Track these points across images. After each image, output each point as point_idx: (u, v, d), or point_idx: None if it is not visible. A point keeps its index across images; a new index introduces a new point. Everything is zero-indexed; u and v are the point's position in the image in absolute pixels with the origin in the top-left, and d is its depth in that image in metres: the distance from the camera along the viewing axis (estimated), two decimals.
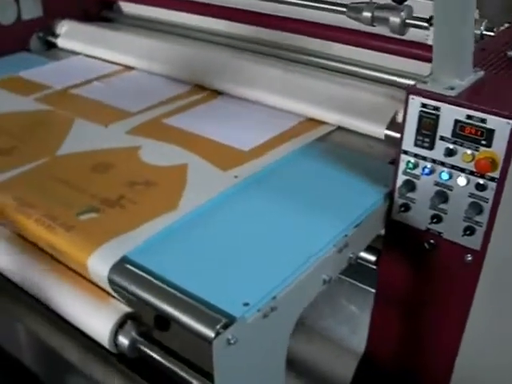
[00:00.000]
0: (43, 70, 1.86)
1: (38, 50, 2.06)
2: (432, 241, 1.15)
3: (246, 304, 0.88)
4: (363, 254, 1.22)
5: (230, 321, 0.85)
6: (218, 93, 1.62)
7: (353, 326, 1.48)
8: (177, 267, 0.97)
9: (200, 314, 0.87)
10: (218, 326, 0.84)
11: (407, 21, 1.25)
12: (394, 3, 1.19)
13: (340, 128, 1.43)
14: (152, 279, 0.94)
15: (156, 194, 1.18)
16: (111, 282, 0.97)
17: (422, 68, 1.42)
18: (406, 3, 1.19)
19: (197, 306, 0.88)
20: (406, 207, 1.15)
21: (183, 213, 1.10)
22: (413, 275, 1.23)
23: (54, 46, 2.07)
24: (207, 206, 1.13)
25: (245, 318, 0.87)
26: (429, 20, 1.19)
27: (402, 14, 1.23)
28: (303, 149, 1.34)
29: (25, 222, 1.11)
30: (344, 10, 1.33)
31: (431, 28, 1.22)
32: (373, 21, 1.26)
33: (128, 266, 0.97)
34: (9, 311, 1.35)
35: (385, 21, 1.24)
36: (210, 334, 0.84)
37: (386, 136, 1.36)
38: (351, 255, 1.10)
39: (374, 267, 1.26)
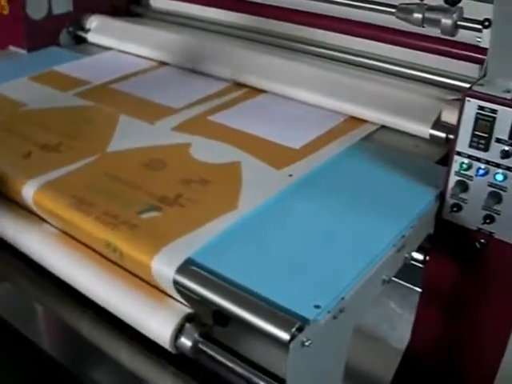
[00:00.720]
0: (78, 64, 1.86)
1: (68, 45, 2.06)
2: (483, 240, 1.17)
3: (317, 306, 0.89)
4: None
5: (304, 323, 0.86)
6: (257, 90, 1.62)
7: (393, 323, 1.49)
8: (243, 269, 0.97)
9: (274, 317, 0.88)
10: (294, 329, 0.85)
11: (458, 22, 1.26)
12: (445, 5, 1.20)
13: (383, 127, 1.44)
14: (221, 282, 0.95)
15: (214, 192, 1.18)
16: (176, 283, 0.98)
17: (466, 68, 1.43)
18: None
19: (270, 309, 0.89)
20: (458, 207, 1.17)
21: (243, 212, 1.10)
22: (461, 274, 1.24)
23: (83, 40, 2.08)
24: (266, 206, 1.13)
25: (317, 320, 0.88)
26: (483, 22, 1.19)
27: (454, 15, 1.24)
28: (350, 148, 1.35)
29: (83, 220, 1.10)
30: (392, 10, 1.33)
31: (484, 30, 1.22)
32: (423, 22, 1.26)
33: (195, 268, 0.97)
34: (53, 308, 1.35)
35: (436, 22, 1.25)
36: (286, 336, 0.85)
37: (431, 135, 1.37)
38: (407, 255, 1.12)
39: (420, 265, 1.27)
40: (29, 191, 1.19)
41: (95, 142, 1.37)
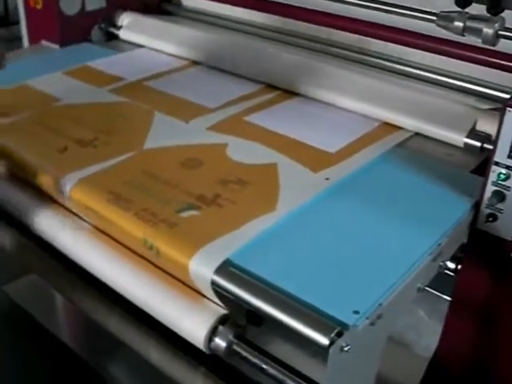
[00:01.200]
0: (111, 60, 1.87)
1: (99, 41, 2.07)
2: None
3: (356, 312, 0.89)
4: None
5: (343, 329, 0.86)
6: (290, 93, 1.62)
7: (420, 331, 1.49)
8: (282, 271, 0.98)
9: (313, 321, 0.88)
10: (333, 334, 0.85)
11: (500, 32, 1.25)
12: (487, 14, 1.19)
13: (417, 134, 1.43)
14: (260, 284, 0.95)
15: (251, 193, 1.18)
16: (214, 284, 0.98)
17: (505, 79, 1.43)
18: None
19: (309, 313, 0.89)
20: (494, 217, 1.16)
21: (282, 214, 1.10)
22: (493, 284, 1.23)
23: (115, 37, 2.09)
24: (304, 209, 1.13)
25: (356, 325, 0.88)
26: None
27: (496, 25, 1.23)
28: (385, 154, 1.34)
29: (122, 215, 1.11)
30: (433, 18, 1.32)
31: None
32: (464, 31, 1.26)
33: (234, 270, 0.98)
34: (80, 303, 1.36)
35: (477, 31, 1.24)
36: (326, 341, 0.85)
37: (466, 144, 1.36)
38: (441, 264, 1.12)
39: (451, 274, 1.27)
40: (66, 186, 1.20)
41: (131, 139, 1.38)
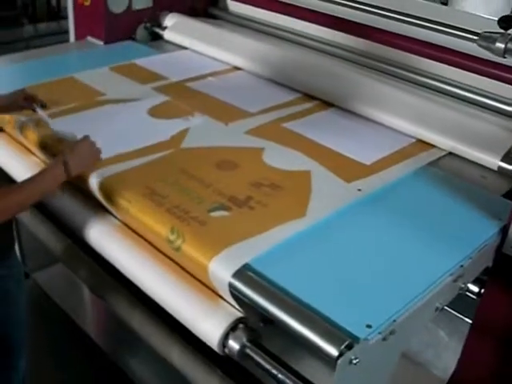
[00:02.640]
0: (155, 59, 1.91)
1: (143, 40, 2.10)
2: None
3: (369, 326, 0.89)
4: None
5: (354, 341, 0.86)
6: (328, 104, 1.62)
7: (439, 352, 1.47)
8: (299, 280, 0.98)
9: (324, 332, 0.88)
10: (343, 346, 0.85)
11: None
12: None
13: (451, 153, 1.42)
14: (275, 290, 0.95)
15: (283, 198, 1.19)
16: (232, 287, 0.99)
17: None
18: None
19: (321, 323, 0.89)
20: None
21: (311, 221, 1.11)
22: None
23: (159, 37, 2.11)
24: (331, 219, 1.14)
25: (367, 339, 0.87)
26: None
27: None
28: (417, 171, 1.34)
29: (154, 209, 1.13)
30: (474, 37, 1.31)
31: None
32: (505, 52, 1.24)
33: (252, 274, 0.98)
34: (107, 299, 1.38)
35: None
36: (335, 352, 0.85)
37: (500, 168, 1.35)
38: (462, 285, 1.11)
39: (473, 297, 1.25)
40: (94, 179, 1.22)
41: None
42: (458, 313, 1.43)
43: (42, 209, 1.41)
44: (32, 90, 1.43)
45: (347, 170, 1.30)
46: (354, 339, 0.86)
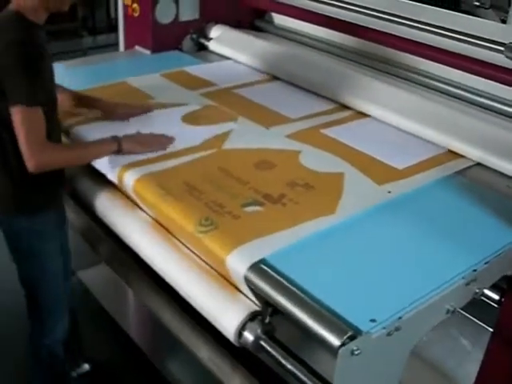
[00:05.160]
0: (203, 67, 1.99)
1: (189, 50, 2.17)
2: None
3: (373, 320, 0.92)
4: (486, 291, 1.22)
5: (356, 333, 0.89)
6: (362, 114, 1.67)
7: (460, 360, 1.48)
8: (312, 275, 1.03)
9: (329, 323, 0.92)
10: (345, 337, 0.88)
11: None
12: None
13: (479, 164, 1.44)
14: (285, 282, 1.00)
15: (315, 197, 1.25)
16: (247, 280, 1.03)
17: None
18: None
19: (326, 315, 0.93)
20: None
21: (339, 218, 1.17)
22: None
23: (204, 48, 2.18)
24: (360, 216, 1.19)
25: (370, 333, 0.90)
26: None
27: None
28: (445, 178, 1.37)
29: (193, 203, 1.20)
30: (500, 48, 1.33)
31: None
32: None
33: (265, 268, 1.03)
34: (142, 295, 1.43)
35: None
36: (337, 342, 0.88)
37: None
38: (477, 290, 1.12)
39: (495, 305, 1.25)
40: (129, 178, 1.30)
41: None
42: (483, 322, 1.43)
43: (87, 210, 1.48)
44: (87, 92, 1.57)
45: (379, 173, 1.35)
46: (357, 331, 0.90)
